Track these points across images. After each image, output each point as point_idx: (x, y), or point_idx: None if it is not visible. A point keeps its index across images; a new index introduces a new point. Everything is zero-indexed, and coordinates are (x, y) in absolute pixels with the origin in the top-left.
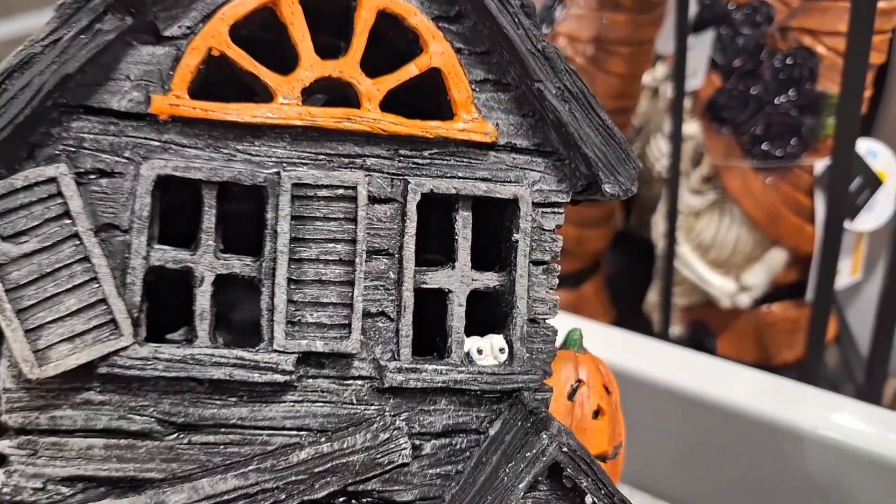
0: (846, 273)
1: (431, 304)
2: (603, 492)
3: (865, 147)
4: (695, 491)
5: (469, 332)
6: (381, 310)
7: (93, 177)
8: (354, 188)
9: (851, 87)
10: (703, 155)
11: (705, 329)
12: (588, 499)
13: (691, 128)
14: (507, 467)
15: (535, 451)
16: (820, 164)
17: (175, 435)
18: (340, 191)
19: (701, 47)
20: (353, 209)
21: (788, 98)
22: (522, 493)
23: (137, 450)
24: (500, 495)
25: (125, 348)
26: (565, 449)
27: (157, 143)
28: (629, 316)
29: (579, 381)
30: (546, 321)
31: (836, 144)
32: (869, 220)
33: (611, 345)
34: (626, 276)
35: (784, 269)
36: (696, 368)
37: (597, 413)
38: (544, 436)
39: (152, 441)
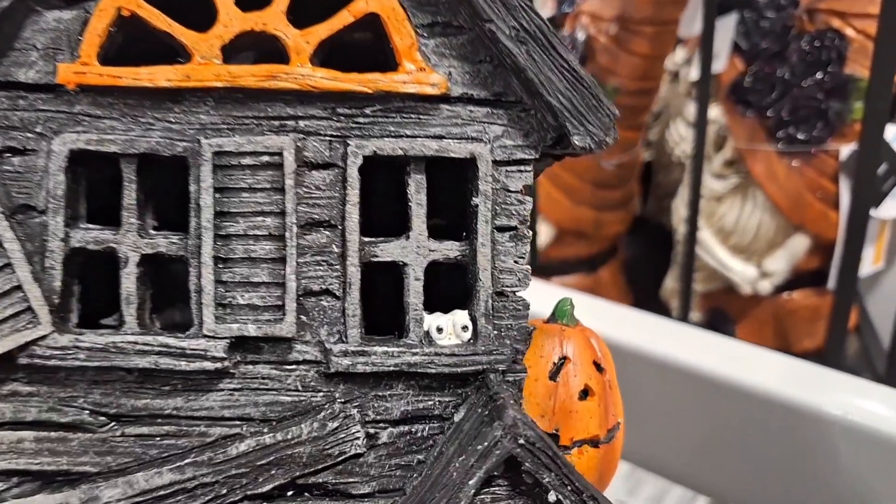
0: (868, 261)
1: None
2: (569, 487)
3: (893, 132)
4: (714, 476)
5: (443, 308)
6: (324, 287)
7: (7, 155)
8: (280, 154)
9: (881, 70)
10: (726, 138)
11: (724, 316)
12: (551, 496)
13: (713, 112)
14: (457, 461)
15: (486, 443)
16: (846, 150)
17: (108, 427)
18: (265, 158)
19: (724, 30)
20: (280, 178)
21: (815, 81)
22: (474, 490)
23: (69, 442)
24: (449, 493)
25: (44, 337)
26: (522, 441)
27: (68, 116)
28: (646, 302)
29: (564, 357)
30: (516, 294)
31: (863, 129)
32: (894, 207)
33: (630, 326)
34: (643, 262)
35: (806, 255)
36: (718, 351)
37: (585, 393)
38: (497, 427)
39: (84, 433)
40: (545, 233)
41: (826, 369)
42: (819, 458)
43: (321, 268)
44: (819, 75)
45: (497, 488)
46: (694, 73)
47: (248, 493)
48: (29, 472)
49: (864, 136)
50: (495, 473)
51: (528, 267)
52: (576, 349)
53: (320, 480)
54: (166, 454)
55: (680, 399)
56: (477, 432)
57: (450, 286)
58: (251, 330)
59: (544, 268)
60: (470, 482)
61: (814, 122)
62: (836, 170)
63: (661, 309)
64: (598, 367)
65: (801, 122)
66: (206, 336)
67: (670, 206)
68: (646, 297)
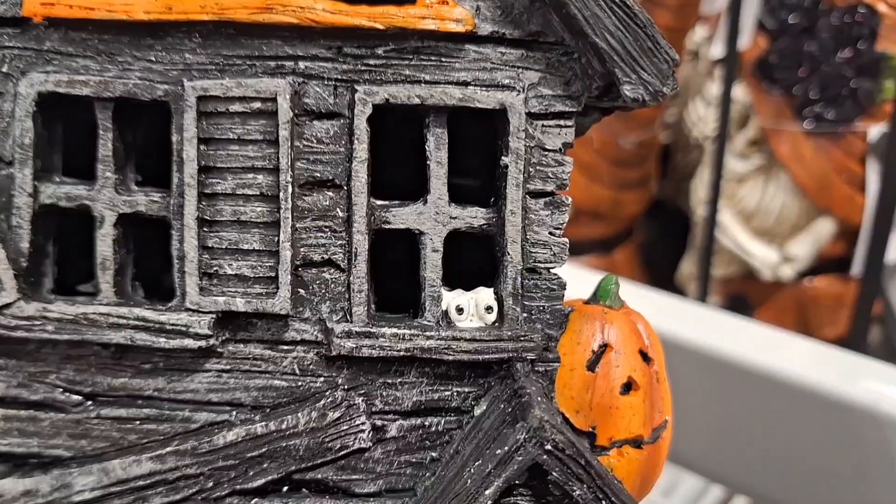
0: (894, 248)
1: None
2: (604, 502)
3: None
4: (750, 472)
5: (466, 287)
6: (327, 257)
7: None
8: (273, 100)
9: None
10: (749, 118)
11: (743, 302)
12: None
13: (736, 91)
14: (473, 466)
15: (507, 448)
16: (875, 130)
17: (82, 407)
18: (256, 104)
19: (748, 6)
20: (273, 128)
21: (845, 58)
22: (491, 502)
23: (40, 423)
24: (462, 502)
25: (8, 305)
26: (549, 446)
27: (37, 54)
28: (662, 286)
29: (605, 345)
30: (550, 270)
31: (894, 109)
32: None
33: (650, 308)
34: (659, 245)
35: (830, 240)
36: (744, 336)
37: (627, 387)
38: (520, 429)
39: (56, 413)
40: None
41: (857, 355)
42: (851, 447)
43: (323, 235)
44: (849, 52)
45: (519, 498)
46: (715, 50)
47: (237, 487)
48: None
49: (895, 116)
50: (517, 482)
51: (566, 240)
52: (619, 335)
53: (319, 476)
54: (146, 440)
55: (710, 388)
56: (497, 433)
57: (475, 262)
58: (239, 304)
59: None
60: (486, 492)
61: (842, 101)
62: (864, 151)
63: (677, 294)
64: (645, 357)
65: (829, 101)
66: (188, 310)
67: (688, 189)
68: (662, 281)
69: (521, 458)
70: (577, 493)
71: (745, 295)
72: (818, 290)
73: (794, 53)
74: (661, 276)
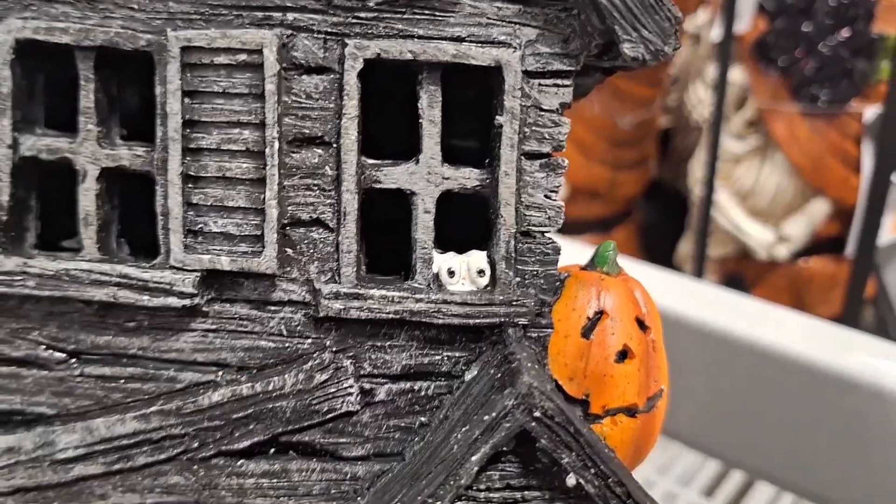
0: (887, 230)
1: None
2: (593, 471)
3: None
4: (746, 447)
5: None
6: (315, 216)
7: None
8: (259, 52)
9: None
10: (747, 98)
11: (739, 281)
12: (570, 479)
13: (736, 74)
14: (460, 432)
15: (495, 414)
16: (870, 111)
17: (66, 364)
18: (242, 56)
19: None
20: (260, 81)
21: (842, 39)
22: (477, 468)
23: (23, 380)
24: (448, 468)
25: None
26: (538, 413)
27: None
28: (660, 266)
29: (601, 311)
30: (545, 234)
31: (889, 90)
32: None
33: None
34: (657, 226)
35: (825, 221)
36: (742, 311)
37: (623, 355)
38: (508, 395)
39: (40, 370)
40: None
41: (853, 331)
42: (848, 421)
43: (311, 193)
44: (845, 33)
45: (507, 465)
46: (716, 33)
47: (223, 448)
48: None
49: (890, 97)
50: (505, 449)
51: (561, 203)
52: (616, 302)
53: (306, 439)
54: (130, 399)
55: (708, 363)
56: (486, 399)
57: (470, 229)
58: (224, 262)
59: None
60: (472, 458)
61: (838, 81)
62: (859, 132)
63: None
64: (642, 325)
65: (825, 82)
66: (172, 268)
67: (686, 171)
68: (660, 261)
69: (508, 425)
70: (566, 460)
71: (741, 274)
72: (812, 270)
73: (792, 34)
74: (660, 257)
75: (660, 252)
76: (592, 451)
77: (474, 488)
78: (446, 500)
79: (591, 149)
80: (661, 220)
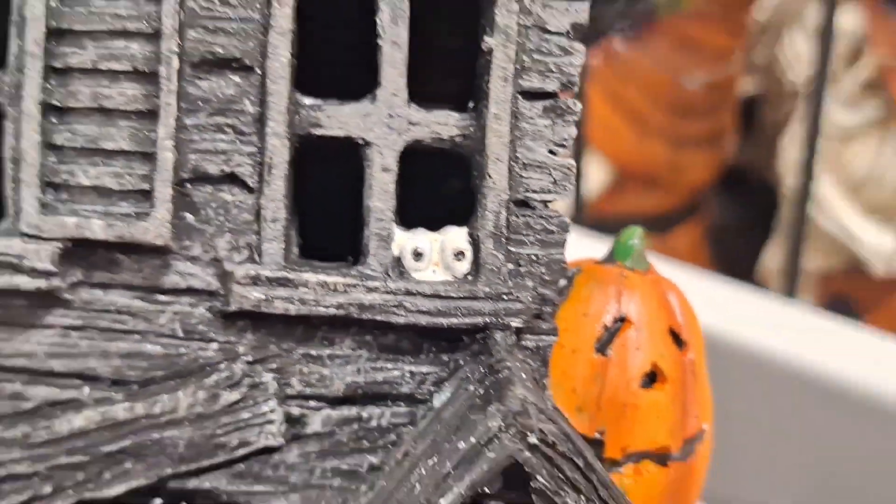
0: None
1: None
2: None
3: None
4: None
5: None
6: (228, 169)
7: None
8: None
9: None
10: (863, 52)
11: (846, 305)
12: None
13: (848, 19)
14: (425, 466)
15: (474, 440)
16: None
17: None
18: None
19: None
20: None
21: None
22: None
23: None
24: None
25: None
26: (534, 439)
27: None
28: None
29: (622, 318)
30: (548, 205)
31: None
32: None
33: (718, 304)
34: (734, 227)
35: None
36: (850, 345)
37: (652, 378)
38: (494, 413)
39: None
40: (597, 175)
41: None
42: None
43: (224, 137)
44: None
45: None
46: None
47: (87, 496)
48: None
49: None
50: (487, 490)
51: (572, 163)
52: (642, 308)
53: (207, 485)
54: None
55: (796, 415)
56: (461, 421)
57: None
58: (97, 228)
59: (593, 226)
60: (441, 501)
61: None
62: None
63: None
64: (678, 340)
65: None
66: (24, 235)
67: (776, 152)
68: (737, 274)
69: (493, 456)
70: None
71: (850, 295)
72: None
73: None
74: (737, 268)
75: (737, 261)
76: (609, 496)
77: None
78: None
79: (646, 120)
80: (739, 219)
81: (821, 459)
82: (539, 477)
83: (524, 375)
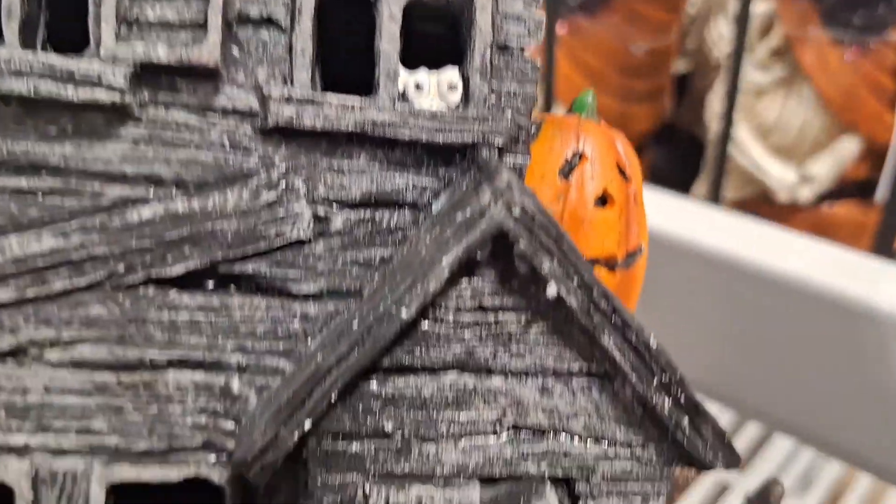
0: None
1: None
2: (576, 280)
3: None
4: (749, 386)
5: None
6: (265, 15)
7: None
8: None
9: None
10: (773, 25)
11: None
12: (550, 288)
13: (760, 5)
14: (430, 236)
15: (470, 212)
16: None
17: None
18: None
19: None
20: None
21: None
22: (448, 272)
23: None
24: (416, 272)
25: None
26: (517, 210)
27: None
28: None
29: (580, 154)
30: (523, 50)
31: None
32: None
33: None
34: (669, 170)
35: (854, 161)
36: (757, 238)
37: (603, 200)
38: (485, 191)
39: None
40: None
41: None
42: (868, 353)
43: None
44: None
45: (479, 280)
46: None
47: (154, 274)
48: None
49: None
50: (478, 259)
51: (542, 14)
52: (595, 147)
53: (250, 270)
54: (49, 216)
55: (710, 290)
56: (458, 201)
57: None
58: (161, 53)
59: None
60: (443, 259)
61: (874, 6)
62: None
63: None
64: (623, 174)
65: (860, 5)
66: (103, 59)
67: (703, 113)
68: None
69: (483, 225)
70: (546, 266)
71: (759, 219)
72: (838, 215)
73: None
74: None
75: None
76: (576, 259)
77: (443, 307)
78: (412, 307)
79: (601, 78)
80: (673, 164)
81: (738, 335)
82: (520, 243)
83: (507, 168)
